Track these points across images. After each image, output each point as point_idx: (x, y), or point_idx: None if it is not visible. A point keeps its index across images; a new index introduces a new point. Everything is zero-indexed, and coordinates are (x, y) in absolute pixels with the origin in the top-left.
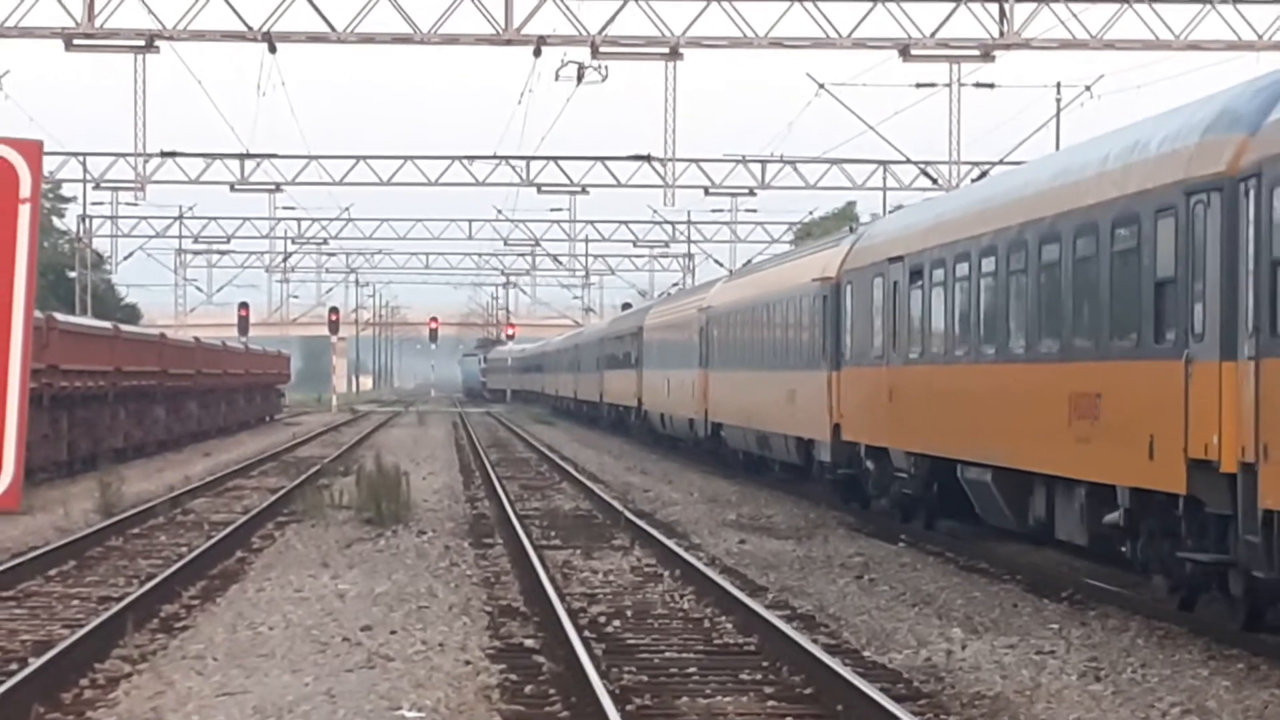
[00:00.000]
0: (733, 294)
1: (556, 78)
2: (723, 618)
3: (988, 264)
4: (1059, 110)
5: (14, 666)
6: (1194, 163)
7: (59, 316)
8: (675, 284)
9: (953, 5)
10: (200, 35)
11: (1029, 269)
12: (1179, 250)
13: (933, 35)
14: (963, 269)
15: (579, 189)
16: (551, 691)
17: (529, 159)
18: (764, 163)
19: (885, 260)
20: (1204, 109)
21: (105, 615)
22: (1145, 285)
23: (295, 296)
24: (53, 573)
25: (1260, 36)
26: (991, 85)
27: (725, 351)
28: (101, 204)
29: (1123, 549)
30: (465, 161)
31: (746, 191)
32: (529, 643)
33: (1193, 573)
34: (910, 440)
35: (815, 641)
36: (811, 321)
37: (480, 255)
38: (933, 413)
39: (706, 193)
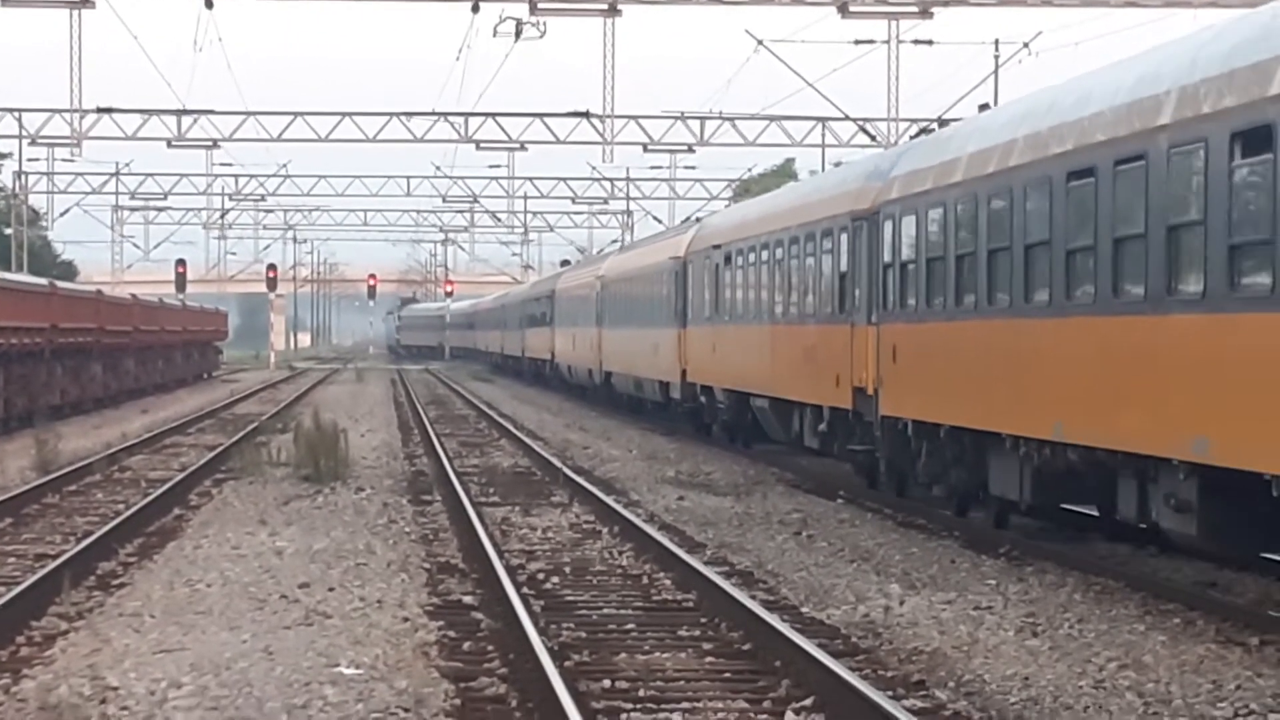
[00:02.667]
0: (619, 266)
1: (495, 34)
2: (661, 574)
3: (764, 255)
4: (997, 67)
5: None
6: (857, 200)
7: None
8: (614, 240)
9: None
10: None
11: (784, 259)
12: (849, 255)
13: None
14: (751, 257)
15: (518, 145)
16: (490, 648)
17: (467, 115)
18: (703, 119)
19: (711, 247)
20: (870, 164)
21: (42, 573)
22: (834, 275)
23: (233, 253)
24: None
25: None
26: (930, 42)
27: (613, 313)
28: (37, 160)
29: (832, 448)
30: (403, 118)
31: (685, 148)
32: (467, 599)
33: (861, 460)
34: (725, 380)
35: (754, 598)
36: (668, 290)
37: (419, 212)
38: (735, 359)
39: (645, 149)
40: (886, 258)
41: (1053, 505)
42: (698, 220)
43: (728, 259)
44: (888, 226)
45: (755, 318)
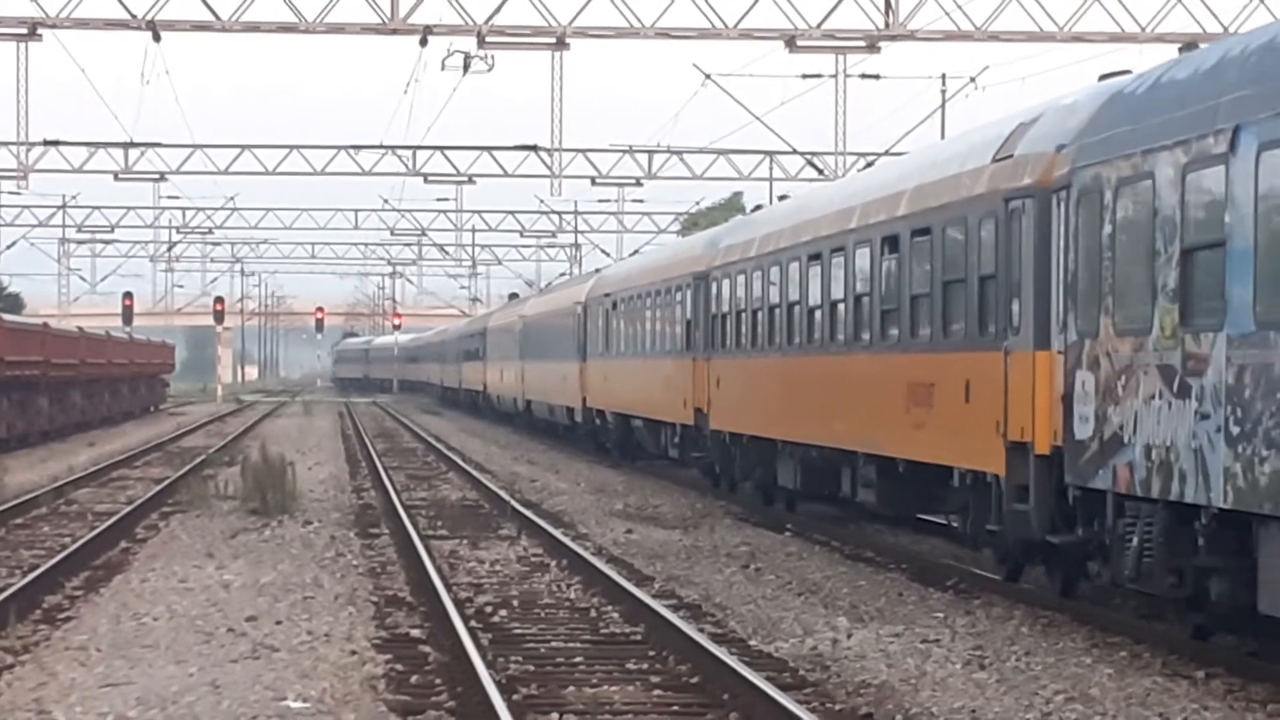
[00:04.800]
0: (536, 308)
1: (443, 67)
2: (609, 607)
3: (638, 303)
4: (944, 101)
5: None
6: (696, 264)
7: None
8: (562, 274)
9: None
10: (84, 23)
11: (652, 307)
12: (692, 306)
13: (819, 26)
14: (631, 304)
15: (466, 179)
16: (438, 681)
17: (415, 149)
18: (650, 153)
19: (603, 294)
20: (710, 235)
21: None
22: (683, 321)
23: (180, 286)
24: None
25: (1143, 29)
26: (877, 76)
27: (531, 349)
28: None
29: (684, 458)
30: (351, 151)
31: (633, 182)
32: (415, 633)
33: (701, 465)
34: (613, 404)
35: (702, 631)
36: (572, 330)
37: (366, 245)
38: (620, 387)
39: (593, 183)
40: (714, 309)
41: (817, 492)
42: (597, 271)
43: (615, 305)
44: (714, 286)
45: (633, 353)
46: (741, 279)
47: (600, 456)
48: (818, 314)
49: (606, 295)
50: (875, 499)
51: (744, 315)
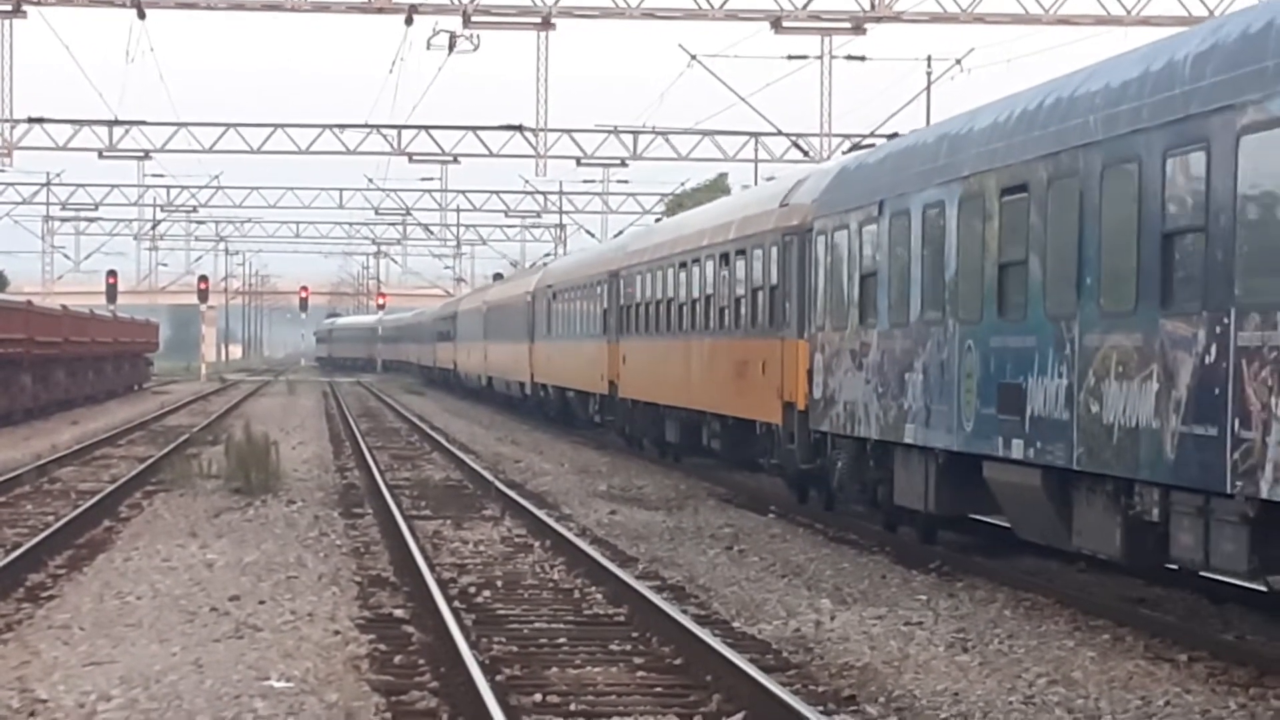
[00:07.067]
0: (498, 294)
1: (428, 47)
2: (593, 588)
3: (569, 295)
4: (929, 83)
5: None
6: (610, 264)
7: None
8: (547, 254)
9: None
10: (69, 0)
11: (578, 299)
12: (608, 297)
13: (804, 7)
14: (565, 296)
15: (450, 158)
16: (421, 662)
17: (400, 128)
18: (636, 133)
19: (546, 286)
20: (622, 241)
21: None
22: (600, 310)
23: (164, 265)
24: None
25: (1129, 12)
26: (863, 58)
27: (494, 331)
28: None
29: (603, 423)
30: (336, 130)
31: (618, 162)
32: (398, 613)
33: (613, 427)
34: (553, 379)
35: (685, 612)
36: (525, 315)
37: (351, 224)
38: (557, 364)
39: (578, 163)
40: (622, 301)
41: (690, 445)
42: (544, 265)
43: (555, 296)
44: (623, 283)
45: (567, 336)
46: (639, 278)
47: (585, 438)
48: (684, 308)
49: (549, 286)
50: (721, 447)
51: (640, 307)
